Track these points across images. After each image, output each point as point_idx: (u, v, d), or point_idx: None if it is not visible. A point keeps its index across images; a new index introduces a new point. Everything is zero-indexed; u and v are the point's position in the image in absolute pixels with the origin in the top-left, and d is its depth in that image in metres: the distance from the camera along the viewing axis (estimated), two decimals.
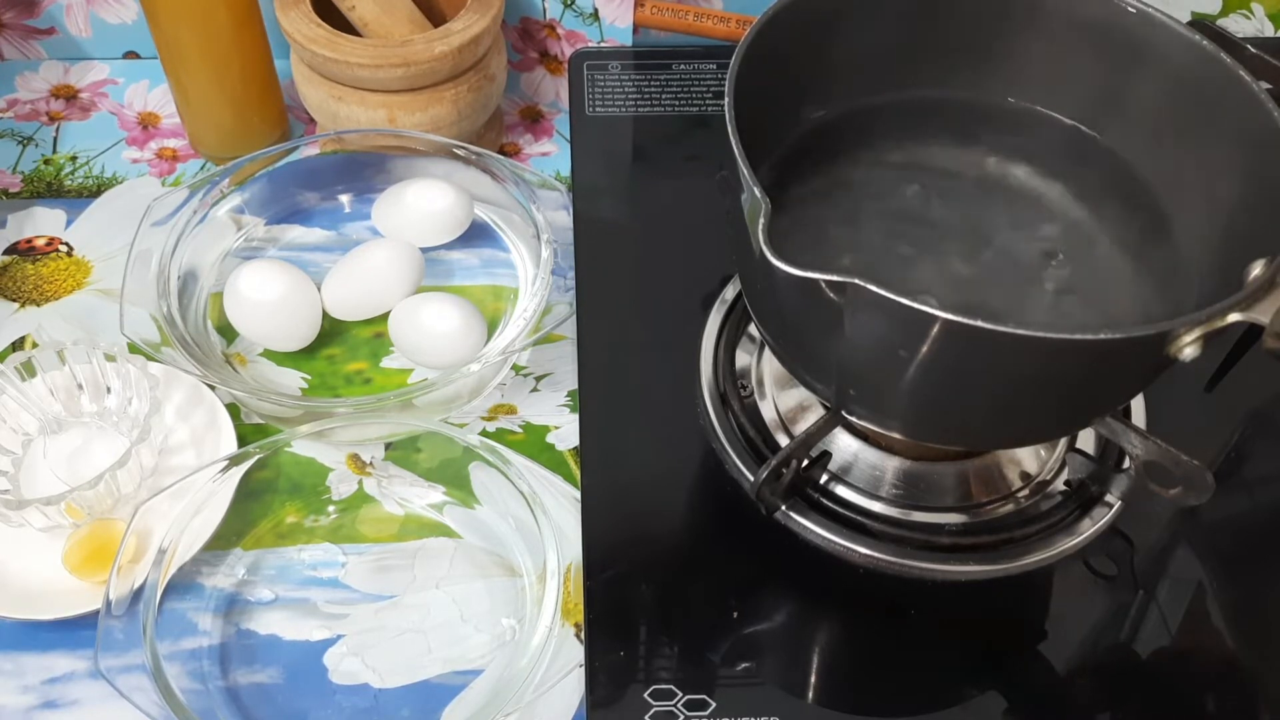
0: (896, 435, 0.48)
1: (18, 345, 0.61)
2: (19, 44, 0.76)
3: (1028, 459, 0.53)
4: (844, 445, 0.52)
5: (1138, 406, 0.54)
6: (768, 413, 0.54)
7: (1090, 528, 0.50)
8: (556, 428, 0.59)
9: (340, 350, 0.61)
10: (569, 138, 0.69)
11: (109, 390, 0.57)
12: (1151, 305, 0.48)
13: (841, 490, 0.52)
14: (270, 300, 0.59)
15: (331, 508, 0.55)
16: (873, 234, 0.50)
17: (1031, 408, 0.45)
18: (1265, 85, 0.45)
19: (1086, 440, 0.54)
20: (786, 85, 0.50)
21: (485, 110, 0.69)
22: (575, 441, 0.58)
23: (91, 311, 0.63)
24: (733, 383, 0.55)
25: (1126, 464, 0.50)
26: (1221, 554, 0.51)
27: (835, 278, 0.37)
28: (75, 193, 0.69)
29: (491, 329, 0.61)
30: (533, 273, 0.61)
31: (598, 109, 0.69)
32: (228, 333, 0.61)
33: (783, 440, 0.53)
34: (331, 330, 0.62)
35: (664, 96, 0.70)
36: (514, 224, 0.66)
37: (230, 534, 0.53)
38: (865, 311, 0.39)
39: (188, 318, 0.59)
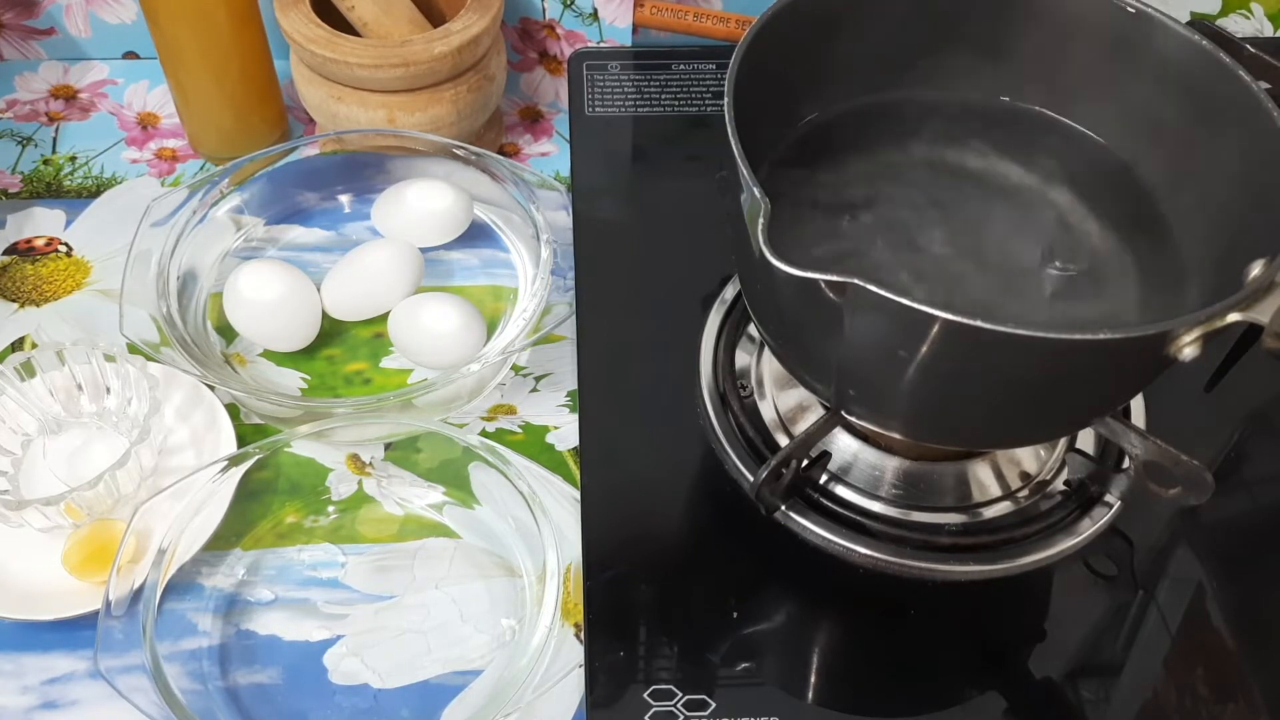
0: (896, 435, 0.48)
1: (17, 345, 0.61)
2: (19, 44, 0.76)
3: (1028, 459, 0.53)
4: (844, 445, 0.52)
5: (1138, 406, 0.54)
6: (767, 413, 0.54)
7: (1090, 528, 0.50)
8: (556, 428, 0.59)
9: (340, 350, 0.61)
10: (569, 138, 0.69)
11: (108, 390, 0.57)
12: (1151, 305, 0.48)
13: (841, 490, 0.52)
14: (270, 300, 0.59)
15: (331, 508, 0.55)
16: (873, 234, 0.50)
17: (1031, 407, 0.45)
18: (1265, 85, 0.45)
19: (1086, 440, 0.54)
20: (787, 85, 0.50)
21: (485, 110, 0.69)
22: (575, 441, 0.58)
23: (91, 312, 0.63)
24: (732, 383, 0.55)
25: (1126, 464, 0.50)
26: (1221, 554, 0.51)
27: (835, 278, 0.37)
28: (75, 193, 0.69)
29: (491, 329, 0.61)
30: (532, 273, 0.60)
31: (597, 109, 0.69)
32: (227, 333, 0.61)
33: (782, 440, 0.53)
34: (331, 330, 0.62)
35: (664, 96, 0.70)
36: (514, 224, 0.65)
37: (230, 534, 0.53)
38: (865, 312, 0.39)
39: (187, 318, 0.59)
